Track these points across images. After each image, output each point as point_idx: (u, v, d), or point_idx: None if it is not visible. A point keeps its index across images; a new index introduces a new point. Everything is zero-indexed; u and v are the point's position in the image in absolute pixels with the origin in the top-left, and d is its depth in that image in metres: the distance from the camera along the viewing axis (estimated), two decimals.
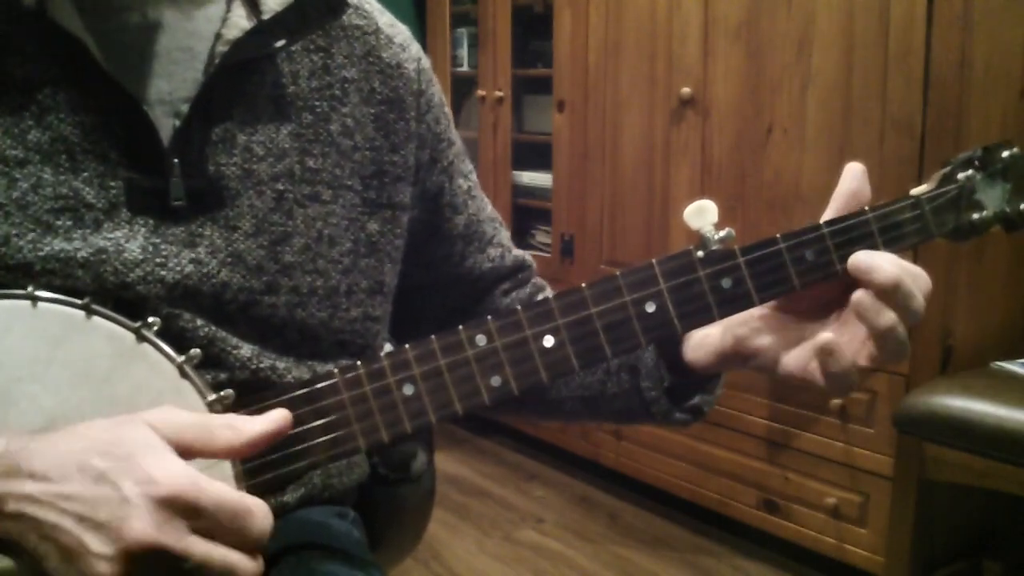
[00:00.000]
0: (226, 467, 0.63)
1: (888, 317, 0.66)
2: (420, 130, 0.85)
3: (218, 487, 0.57)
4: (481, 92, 2.87)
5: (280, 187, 0.75)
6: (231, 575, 0.56)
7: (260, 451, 0.62)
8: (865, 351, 0.68)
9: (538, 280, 0.96)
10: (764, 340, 0.72)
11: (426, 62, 0.88)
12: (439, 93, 0.89)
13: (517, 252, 0.95)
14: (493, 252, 0.92)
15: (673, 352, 0.78)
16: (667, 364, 0.79)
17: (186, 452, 0.58)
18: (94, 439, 0.57)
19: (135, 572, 0.54)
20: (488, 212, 0.93)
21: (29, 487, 0.56)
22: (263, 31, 0.74)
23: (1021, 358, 1.90)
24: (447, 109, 0.89)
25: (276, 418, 0.62)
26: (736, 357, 0.74)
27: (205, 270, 0.72)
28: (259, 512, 0.58)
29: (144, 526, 0.54)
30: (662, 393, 0.79)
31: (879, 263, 0.66)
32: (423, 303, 0.89)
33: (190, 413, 0.61)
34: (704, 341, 0.75)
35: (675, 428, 0.82)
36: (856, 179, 0.71)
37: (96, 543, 0.54)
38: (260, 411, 0.64)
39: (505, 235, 0.94)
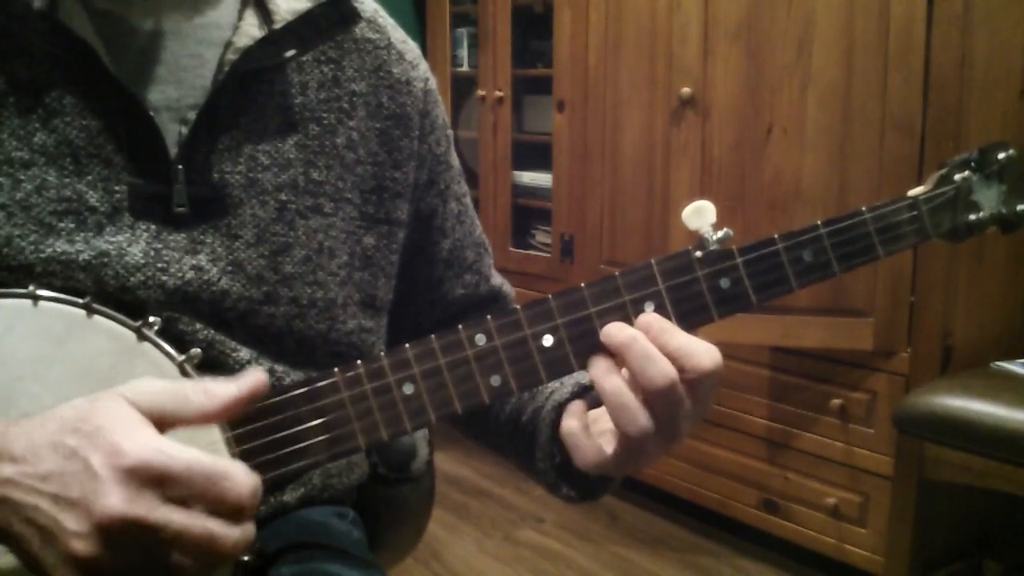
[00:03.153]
0: (214, 433, 0.62)
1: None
2: (421, 150, 0.85)
3: (190, 453, 0.55)
4: (481, 92, 2.87)
5: (283, 197, 0.75)
6: (213, 544, 0.54)
7: (238, 416, 0.61)
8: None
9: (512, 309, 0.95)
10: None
11: (433, 82, 0.88)
12: (443, 115, 0.89)
13: (495, 282, 0.93)
14: (469, 279, 0.91)
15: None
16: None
17: (160, 420, 0.57)
18: (66, 418, 0.56)
19: (112, 547, 0.53)
20: (474, 237, 0.92)
21: (8, 471, 0.55)
22: (274, 40, 0.74)
23: (1021, 358, 1.89)
24: (448, 131, 0.89)
25: (250, 381, 0.60)
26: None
27: (205, 277, 0.72)
28: (237, 474, 0.56)
29: (114, 500, 0.53)
30: (551, 467, 0.77)
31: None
32: (398, 319, 0.88)
33: (165, 380, 0.60)
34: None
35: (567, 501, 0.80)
36: None
37: (71, 521, 0.53)
38: (261, 410, 0.63)
39: (487, 263, 0.93)
